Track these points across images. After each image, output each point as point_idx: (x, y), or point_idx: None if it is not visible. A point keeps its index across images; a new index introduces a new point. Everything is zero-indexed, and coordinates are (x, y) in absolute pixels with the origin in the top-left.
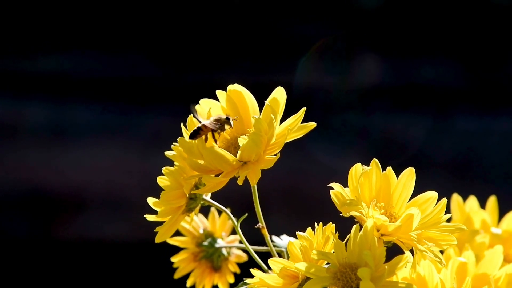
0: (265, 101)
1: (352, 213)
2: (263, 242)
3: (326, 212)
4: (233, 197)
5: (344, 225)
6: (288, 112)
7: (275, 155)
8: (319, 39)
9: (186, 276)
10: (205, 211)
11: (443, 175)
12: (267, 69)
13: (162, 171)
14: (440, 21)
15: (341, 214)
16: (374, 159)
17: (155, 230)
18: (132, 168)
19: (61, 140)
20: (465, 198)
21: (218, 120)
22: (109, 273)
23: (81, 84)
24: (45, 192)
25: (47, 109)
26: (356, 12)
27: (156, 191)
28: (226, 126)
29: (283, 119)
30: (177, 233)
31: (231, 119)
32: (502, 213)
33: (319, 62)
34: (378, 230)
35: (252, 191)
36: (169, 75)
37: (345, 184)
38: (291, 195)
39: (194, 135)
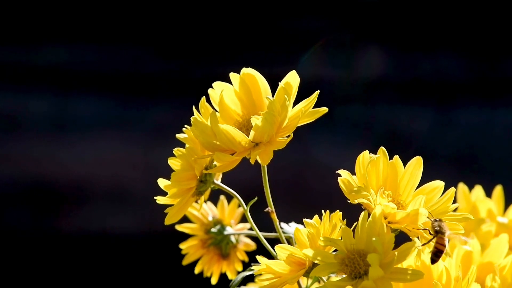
0: (279, 83)
1: (360, 200)
2: (271, 230)
3: (331, 204)
4: (239, 187)
5: (349, 216)
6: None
7: (288, 136)
8: (324, 31)
9: (193, 266)
10: (214, 199)
11: (448, 168)
12: (272, 63)
13: (174, 152)
14: (443, 14)
15: (348, 201)
16: (382, 147)
17: (165, 211)
18: (136, 161)
19: (64, 133)
20: (470, 190)
21: (439, 227)
22: (112, 266)
23: (85, 77)
24: (48, 185)
25: (51, 102)
26: (361, 5)
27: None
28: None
29: None
30: (186, 220)
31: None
32: (507, 205)
33: (323, 55)
34: (385, 218)
35: (262, 172)
36: (173, 69)
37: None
38: (295, 187)
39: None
